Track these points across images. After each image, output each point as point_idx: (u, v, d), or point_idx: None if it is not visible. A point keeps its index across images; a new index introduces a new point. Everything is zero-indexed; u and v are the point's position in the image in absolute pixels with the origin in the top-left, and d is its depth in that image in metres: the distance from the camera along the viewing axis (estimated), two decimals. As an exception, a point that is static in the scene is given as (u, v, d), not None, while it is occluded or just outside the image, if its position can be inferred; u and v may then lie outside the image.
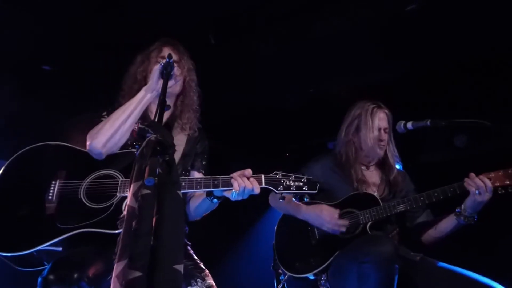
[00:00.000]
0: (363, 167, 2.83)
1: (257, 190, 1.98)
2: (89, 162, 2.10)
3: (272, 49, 3.86)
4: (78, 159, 2.15)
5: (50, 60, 3.90)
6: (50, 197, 2.02)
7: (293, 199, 2.10)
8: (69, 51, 3.80)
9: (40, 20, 3.39)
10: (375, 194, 2.67)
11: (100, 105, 2.36)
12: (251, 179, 1.98)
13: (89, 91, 4.14)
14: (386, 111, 2.80)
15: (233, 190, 1.96)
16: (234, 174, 1.99)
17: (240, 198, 1.99)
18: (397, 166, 2.83)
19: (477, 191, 2.30)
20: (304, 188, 2.03)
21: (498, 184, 2.32)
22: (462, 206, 2.39)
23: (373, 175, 2.83)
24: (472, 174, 2.35)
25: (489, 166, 2.38)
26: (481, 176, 2.34)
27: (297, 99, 4.72)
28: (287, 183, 2.03)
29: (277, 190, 2.02)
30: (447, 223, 2.49)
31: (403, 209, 2.51)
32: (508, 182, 2.31)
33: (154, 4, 3.39)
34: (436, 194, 2.45)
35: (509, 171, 2.32)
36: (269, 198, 2.87)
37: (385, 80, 4.25)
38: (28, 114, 4.17)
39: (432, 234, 2.58)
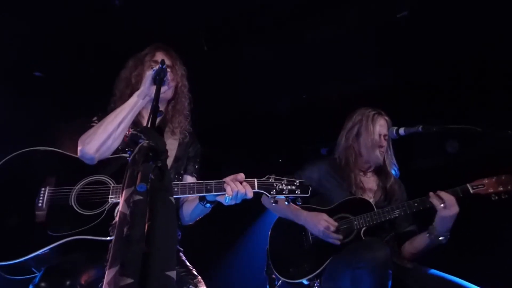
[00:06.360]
0: (361, 173, 2.84)
1: (250, 195, 1.97)
2: (79, 168, 2.08)
3: (265, 55, 3.88)
4: (68, 164, 2.12)
5: (41, 65, 3.88)
6: (40, 204, 1.98)
7: (286, 202, 2.10)
8: (60, 57, 3.78)
9: (31, 24, 3.38)
10: (371, 200, 2.68)
11: (91, 111, 2.34)
12: (244, 183, 1.97)
13: (79, 97, 4.12)
14: (386, 118, 2.82)
15: (226, 195, 1.95)
16: (227, 179, 1.98)
17: (233, 202, 1.98)
18: (394, 173, 2.84)
19: (441, 205, 2.32)
20: (296, 192, 2.02)
21: (492, 190, 2.34)
22: (433, 223, 2.40)
23: (370, 181, 2.83)
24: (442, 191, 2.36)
25: (481, 171, 2.40)
26: (445, 192, 2.35)
27: (290, 104, 4.73)
28: (280, 187, 2.03)
29: (270, 194, 2.01)
30: (421, 240, 2.49)
31: (390, 217, 2.51)
32: (501, 189, 2.33)
33: (148, 10, 3.39)
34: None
35: (502, 178, 2.34)
36: (263, 200, 2.86)
37: (377, 86, 4.28)
38: (17, 121, 4.13)
39: (408, 248, 2.59)
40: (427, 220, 2.51)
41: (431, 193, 2.39)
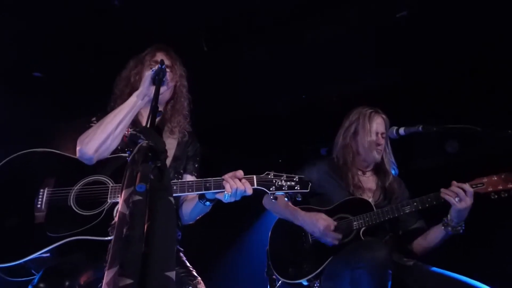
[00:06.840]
0: (360, 172, 2.83)
1: (249, 191, 1.96)
2: (78, 168, 2.07)
3: (265, 55, 3.88)
4: (66, 165, 2.12)
5: (41, 65, 3.88)
6: (39, 206, 1.98)
7: (286, 199, 2.09)
8: (60, 57, 3.79)
9: (31, 24, 3.38)
10: (370, 200, 2.68)
11: (91, 111, 2.34)
12: (243, 180, 1.96)
13: (79, 97, 4.12)
14: (384, 116, 2.81)
15: (225, 192, 1.94)
16: (226, 176, 1.97)
17: (232, 200, 1.97)
18: (393, 172, 2.84)
19: (456, 199, 2.31)
20: (296, 188, 2.01)
21: (491, 189, 2.32)
22: (448, 216, 2.39)
23: (369, 181, 2.83)
24: (453, 182, 2.35)
25: (481, 171, 2.39)
26: (458, 184, 2.34)
27: (290, 104, 4.73)
28: (279, 183, 2.01)
29: (270, 190, 2.00)
30: (436, 234, 2.49)
31: (390, 217, 2.50)
32: (501, 187, 2.31)
33: (148, 10, 3.39)
34: (415, 203, 2.46)
35: (502, 176, 2.33)
36: (264, 201, 2.86)
37: (377, 86, 4.28)
38: (17, 121, 4.14)
39: (422, 243, 2.58)
40: (429, 215, 2.51)
41: (442, 189, 2.36)
